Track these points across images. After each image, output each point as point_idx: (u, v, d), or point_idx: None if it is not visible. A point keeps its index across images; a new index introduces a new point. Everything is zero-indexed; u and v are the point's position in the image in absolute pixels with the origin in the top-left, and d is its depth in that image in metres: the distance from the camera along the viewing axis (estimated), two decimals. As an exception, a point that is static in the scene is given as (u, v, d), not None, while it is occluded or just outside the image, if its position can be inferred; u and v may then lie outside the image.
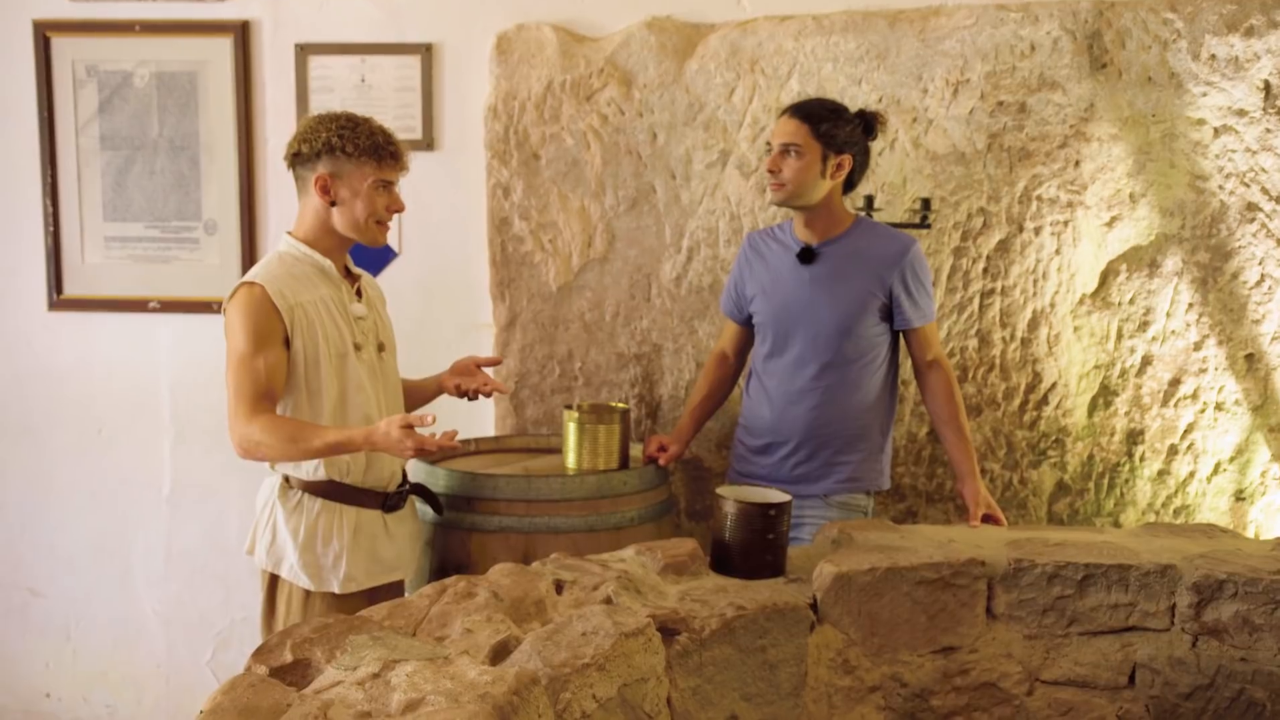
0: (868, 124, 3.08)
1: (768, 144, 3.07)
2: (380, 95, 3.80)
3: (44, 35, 3.88)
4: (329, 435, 2.56)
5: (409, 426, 2.50)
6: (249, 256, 3.92)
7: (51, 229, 3.97)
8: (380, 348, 2.86)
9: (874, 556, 2.39)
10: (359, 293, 2.85)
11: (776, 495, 2.47)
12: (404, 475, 2.91)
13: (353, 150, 2.67)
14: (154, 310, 4.00)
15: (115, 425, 4.09)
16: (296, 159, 2.73)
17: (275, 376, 2.61)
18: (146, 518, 4.11)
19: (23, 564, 4.17)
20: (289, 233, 2.80)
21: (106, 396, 4.07)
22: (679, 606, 2.13)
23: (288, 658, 1.73)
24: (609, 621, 1.91)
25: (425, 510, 3.03)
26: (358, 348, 2.76)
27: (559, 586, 2.19)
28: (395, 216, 2.87)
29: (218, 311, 3.87)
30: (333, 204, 2.71)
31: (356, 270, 2.91)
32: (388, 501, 2.81)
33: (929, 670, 2.38)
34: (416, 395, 3.10)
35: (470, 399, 3.13)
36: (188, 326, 4.01)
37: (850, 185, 3.12)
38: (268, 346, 2.60)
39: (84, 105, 3.92)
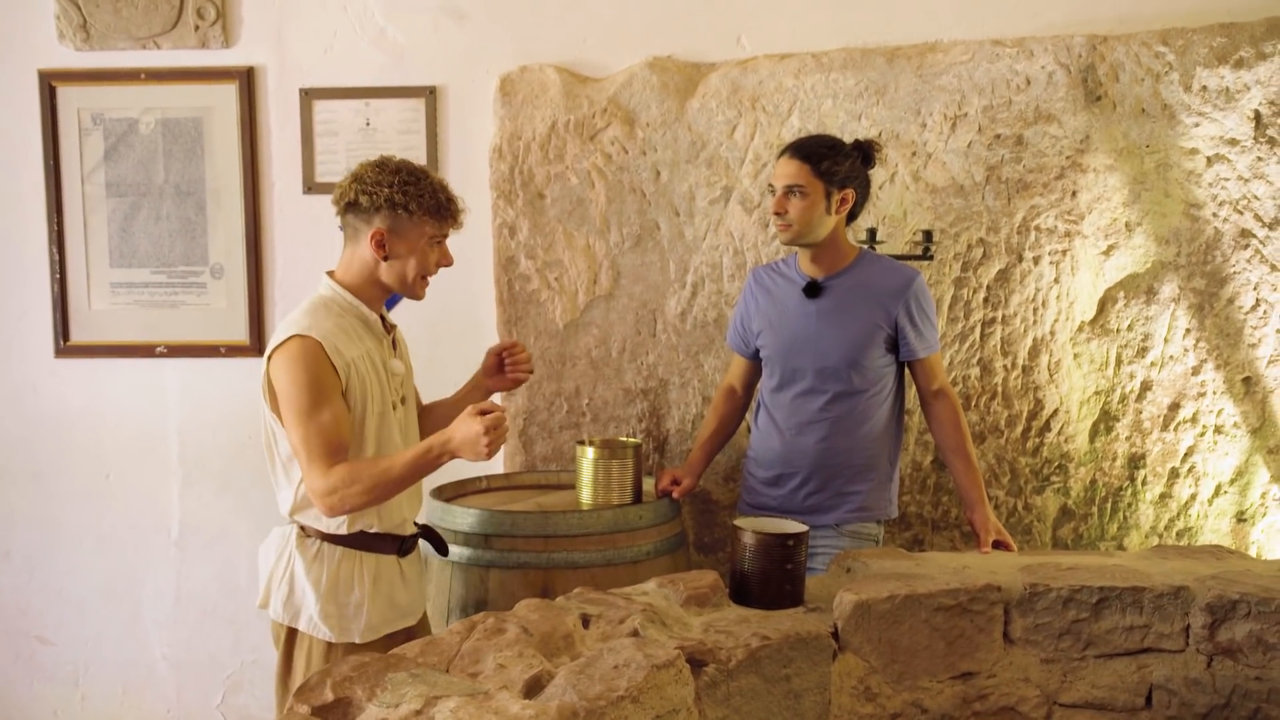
0: (865, 154, 3.12)
1: (770, 185, 3.10)
2: (385, 138, 3.85)
3: (49, 85, 3.92)
4: (408, 455, 2.52)
5: (483, 414, 2.45)
6: (256, 300, 3.95)
7: (58, 276, 3.99)
8: (403, 400, 2.80)
9: (892, 584, 2.42)
10: (394, 344, 2.81)
11: (794, 526, 2.49)
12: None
13: (415, 209, 2.60)
14: (161, 355, 4.02)
15: (123, 470, 4.10)
16: (351, 208, 2.64)
17: (342, 429, 2.54)
18: (155, 562, 4.12)
19: (31, 610, 4.17)
20: (330, 273, 2.73)
21: (114, 441, 4.09)
22: (705, 638, 2.16)
23: (329, 696, 1.75)
24: (639, 654, 1.94)
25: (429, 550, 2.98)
26: (394, 406, 2.72)
27: (585, 620, 2.21)
28: None
29: (225, 355, 3.97)
30: (385, 258, 2.64)
31: (391, 321, 2.85)
32: (403, 546, 2.75)
33: (949, 696, 2.41)
34: (456, 411, 2.96)
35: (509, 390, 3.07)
36: (195, 371, 4.03)
37: (852, 216, 3.17)
38: (329, 400, 2.52)
39: (90, 153, 3.96)
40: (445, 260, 2.74)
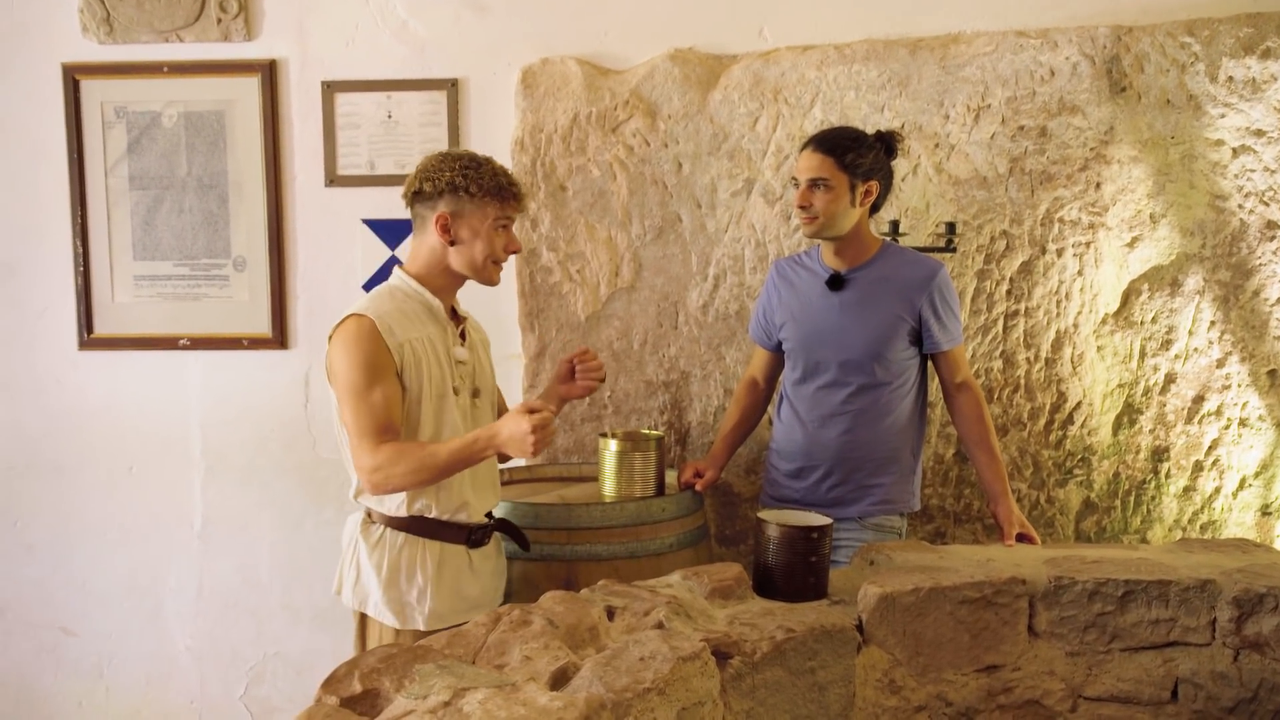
0: (888, 145, 3.11)
1: (793, 179, 3.09)
2: (406, 130, 3.85)
3: (73, 78, 3.94)
4: (454, 444, 2.54)
5: (530, 412, 2.47)
6: (278, 293, 3.96)
7: (81, 269, 4.01)
8: (475, 393, 2.82)
9: (916, 577, 2.41)
10: (463, 335, 2.81)
11: (818, 518, 2.49)
12: (490, 512, 2.88)
13: (476, 190, 2.64)
14: (184, 347, 4.03)
15: (146, 462, 4.12)
16: (417, 197, 2.69)
17: (393, 409, 2.57)
18: (178, 554, 4.14)
19: (55, 602, 4.20)
20: (400, 267, 2.76)
21: (137, 434, 4.11)
22: (730, 630, 2.15)
23: (357, 688, 1.74)
24: (665, 646, 1.94)
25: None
26: (455, 391, 2.72)
27: (610, 613, 2.21)
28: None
29: (247, 347, 3.98)
30: (452, 243, 2.68)
31: (464, 312, 2.88)
32: (472, 536, 2.75)
33: (973, 689, 2.40)
34: None
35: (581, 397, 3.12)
36: (217, 363, 4.05)
37: (875, 208, 3.16)
38: (382, 379, 2.56)
39: (113, 146, 3.97)
40: (513, 246, 2.77)
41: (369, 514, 2.71)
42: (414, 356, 2.62)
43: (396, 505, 2.66)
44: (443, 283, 2.74)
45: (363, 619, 2.74)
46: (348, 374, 2.56)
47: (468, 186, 2.64)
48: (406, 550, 2.67)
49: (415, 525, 2.68)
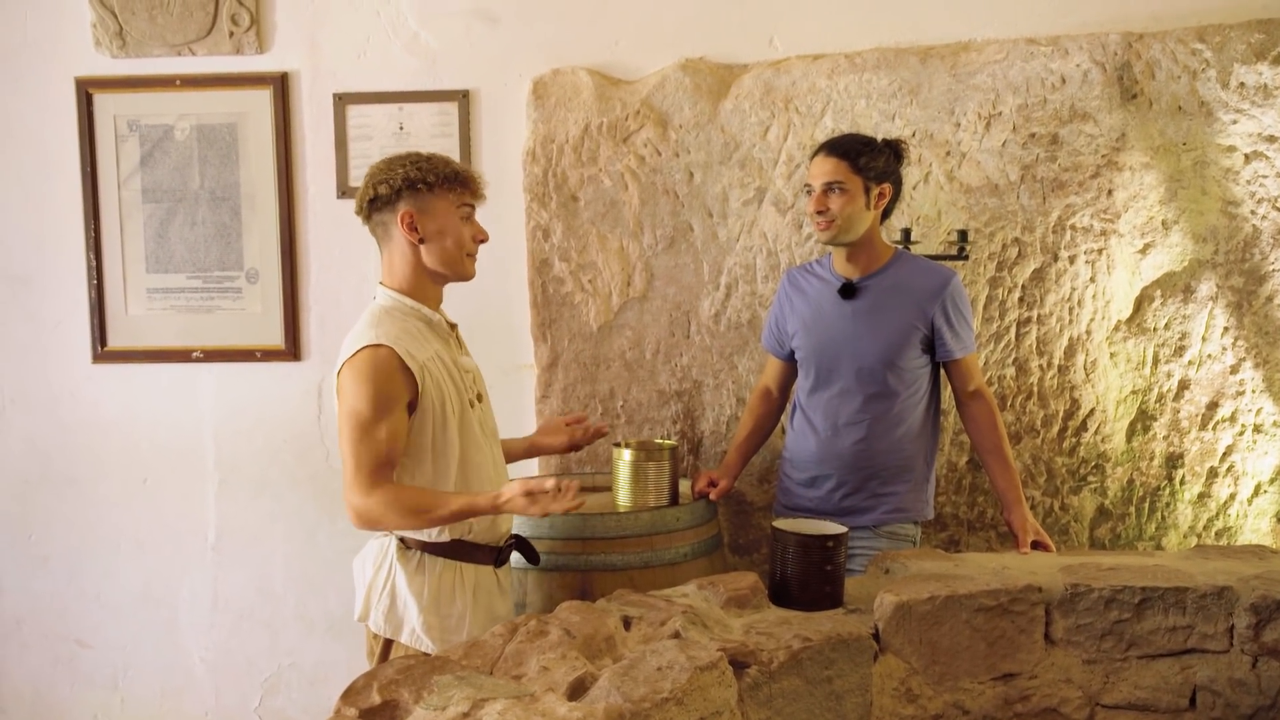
0: (897, 152, 3.12)
1: (806, 186, 3.10)
2: (418, 142, 3.86)
3: (86, 92, 3.95)
4: (454, 503, 2.51)
5: (530, 494, 2.48)
6: (291, 304, 3.97)
7: (95, 282, 4.02)
8: (479, 398, 2.77)
9: (932, 585, 2.41)
10: (458, 341, 2.80)
11: (833, 527, 2.49)
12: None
13: (434, 179, 2.60)
14: (197, 360, 4.04)
15: (160, 474, 4.13)
16: (374, 204, 2.64)
17: (396, 443, 2.51)
18: (192, 566, 4.15)
19: (70, 614, 4.21)
20: (382, 283, 2.70)
21: (151, 446, 4.12)
22: (746, 639, 2.16)
23: (376, 699, 1.75)
24: (682, 656, 1.94)
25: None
26: (471, 405, 2.69)
27: (627, 623, 2.21)
28: None
29: (261, 359, 4.00)
30: (421, 240, 2.62)
31: (451, 320, 2.81)
32: (499, 556, 2.74)
33: (990, 697, 2.40)
34: (505, 453, 2.98)
35: (577, 450, 3.17)
36: (231, 375, 4.06)
37: (886, 214, 3.16)
38: (391, 413, 2.50)
39: (126, 159, 3.99)
40: (480, 234, 2.71)
41: (403, 541, 2.64)
42: (434, 379, 2.57)
43: (437, 531, 2.60)
44: (426, 289, 2.69)
45: (387, 645, 2.66)
46: (355, 405, 2.50)
47: (424, 178, 2.60)
48: (446, 575, 2.63)
49: (453, 549, 2.64)
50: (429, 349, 2.61)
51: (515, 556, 2.86)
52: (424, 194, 2.61)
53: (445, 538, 2.62)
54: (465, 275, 2.71)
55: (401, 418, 2.53)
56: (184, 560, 4.15)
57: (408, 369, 2.51)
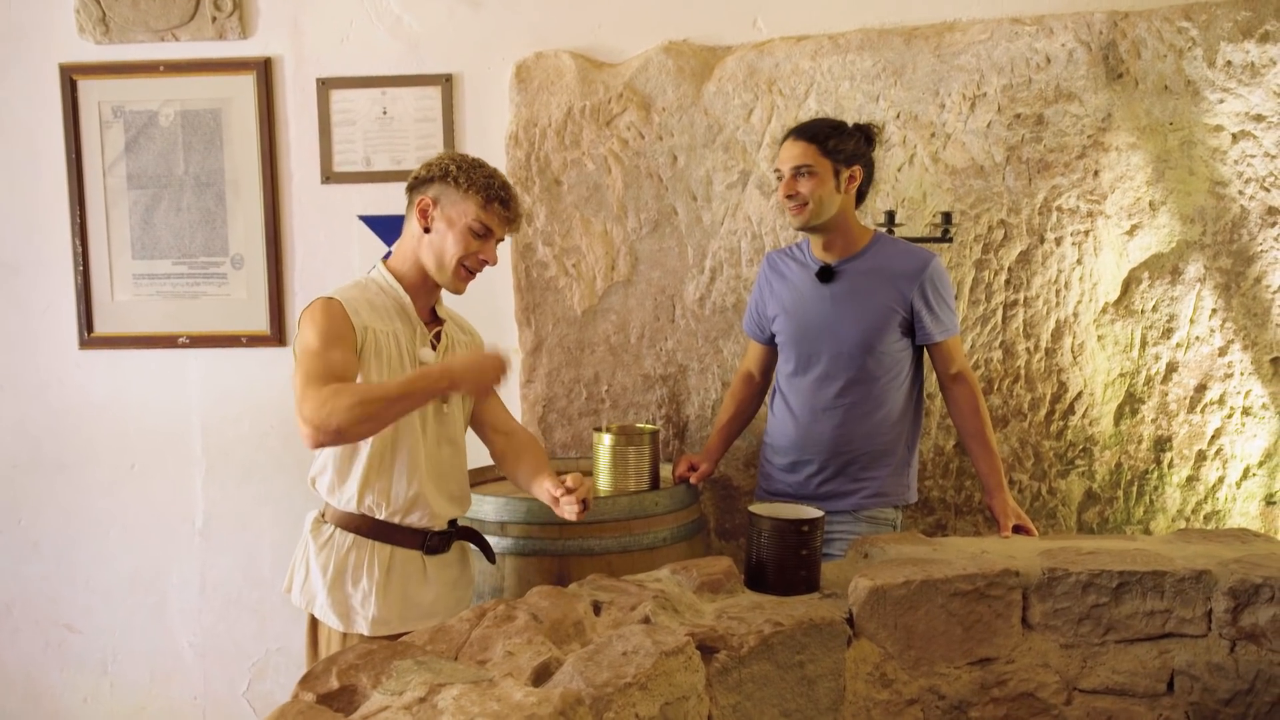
0: (867, 136, 3.11)
1: (777, 171, 3.08)
2: (401, 126, 3.85)
3: (70, 78, 3.94)
4: (406, 374, 2.48)
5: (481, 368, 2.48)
6: (276, 290, 3.96)
7: (81, 268, 4.02)
8: (443, 399, 2.71)
9: (908, 569, 2.40)
10: (438, 338, 2.75)
11: (810, 511, 2.47)
12: (454, 520, 2.80)
13: (464, 181, 2.60)
14: (183, 345, 4.04)
15: (147, 460, 4.13)
16: (412, 185, 2.67)
17: (348, 369, 2.48)
18: (180, 551, 4.15)
19: (60, 598, 4.22)
20: (384, 260, 2.73)
21: (138, 432, 4.12)
22: (717, 624, 2.14)
23: (334, 684, 1.75)
24: (649, 641, 1.93)
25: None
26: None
27: (597, 607, 2.20)
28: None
29: (247, 345, 3.99)
30: (426, 230, 2.64)
31: (444, 314, 2.81)
32: (427, 542, 2.68)
33: (966, 682, 2.39)
34: (513, 476, 2.92)
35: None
36: (217, 361, 4.06)
37: (860, 198, 3.15)
38: (340, 346, 2.48)
39: (110, 145, 3.98)
40: (489, 258, 2.68)
41: (322, 513, 2.67)
42: (374, 345, 2.56)
43: (347, 500, 2.60)
44: (417, 281, 2.69)
45: (313, 620, 2.67)
46: (306, 340, 2.50)
47: (458, 177, 2.61)
48: (354, 552, 2.61)
49: (365, 527, 2.62)
50: (386, 325, 2.61)
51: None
52: (451, 190, 2.62)
53: (354, 508, 2.60)
54: (449, 285, 2.69)
55: (353, 356, 2.52)
56: (172, 545, 4.15)
57: (353, 326, 2.52)
